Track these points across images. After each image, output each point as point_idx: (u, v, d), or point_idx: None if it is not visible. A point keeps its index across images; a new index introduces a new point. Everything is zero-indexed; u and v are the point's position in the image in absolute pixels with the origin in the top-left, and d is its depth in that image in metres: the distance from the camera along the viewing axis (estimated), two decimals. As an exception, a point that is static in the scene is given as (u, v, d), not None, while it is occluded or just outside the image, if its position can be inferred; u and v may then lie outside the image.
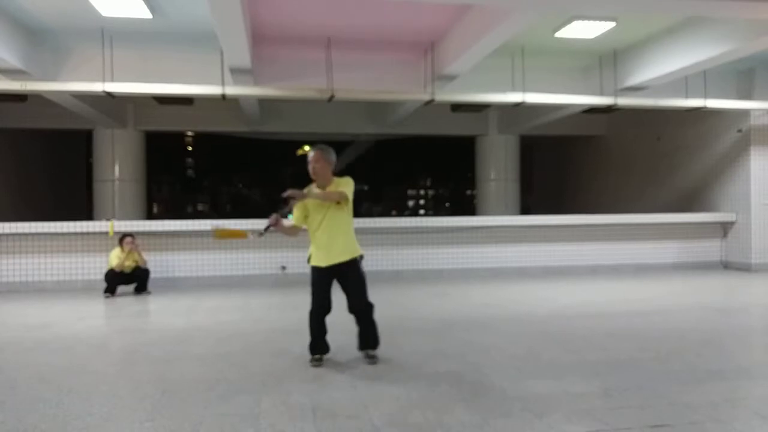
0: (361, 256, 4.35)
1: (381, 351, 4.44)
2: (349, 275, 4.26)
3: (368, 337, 4.36)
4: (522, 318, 6.21)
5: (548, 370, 4.16)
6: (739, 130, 10.65)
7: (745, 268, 10.40)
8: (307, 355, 4.36)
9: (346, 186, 4.25)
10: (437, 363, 4.36)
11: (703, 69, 8.65)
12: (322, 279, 4.27)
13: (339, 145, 25.18)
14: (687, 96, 9.68)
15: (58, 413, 3.32)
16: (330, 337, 4.40)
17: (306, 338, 4.38)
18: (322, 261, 4.24)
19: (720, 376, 3.97)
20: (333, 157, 4.31)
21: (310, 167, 4.24)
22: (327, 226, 4.22)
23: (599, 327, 5.65)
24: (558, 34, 8.21)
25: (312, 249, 4.34)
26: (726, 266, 10.77)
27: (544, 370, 4.14)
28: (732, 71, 10.07)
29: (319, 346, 4.35)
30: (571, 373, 4.03)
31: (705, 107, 9.77)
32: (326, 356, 4.39)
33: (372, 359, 4.33)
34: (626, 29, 8.17)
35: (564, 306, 6.95)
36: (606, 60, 9.34)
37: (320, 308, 4.28)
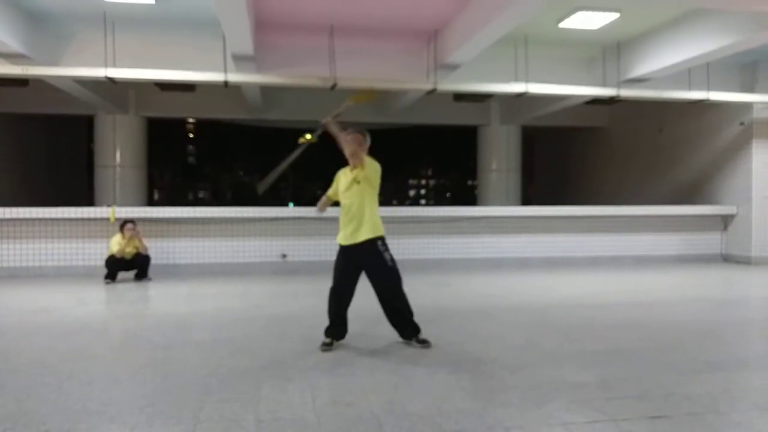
0: (382, 239, 4.35)
1: (383, 339, 4.47)
2: (371, 261, 4.31)
3: (406, 327, 4.44)
4: (522, 308, 6.23)
5: (548, 359, 4.17)
6: (742, 123, 10.60)
7: (745, 261, 10.41)
8: (308, 342, 4.40)
9: (370, 168, 4.32)
10: (437, 352, 4.38)
11: (707, 61, 8.62)
12: (342, 259, 4.39)
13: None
14: (690, 88, 9.64)
15: (59, 398, 3.33)
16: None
17: (307, 325, 4.40)
18: (342, 240, 4.38)
19: (719, 368, 3.98)
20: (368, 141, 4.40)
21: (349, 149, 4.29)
22: (349, 206, 4.32)
23: (599, 318, 5.66)
24: (562, 25, 8.15)
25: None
26: (726, 259, 10.78)
27: (543, 360, 4.15)
28: (735, 64, 10.02)
29: (333, 330, 4.42)
30: (570, 363, 4.05)
31: (708, 99, 9.73)
32: (337, 342, 4.43)
33: (423, 344, 4.41)
34: (630, 20, 8.11)
35: (564, 296, 6.96)
36: (609, 51, 9.28)
37: (336, 287, 4.39)
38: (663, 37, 8.32)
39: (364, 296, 6.71)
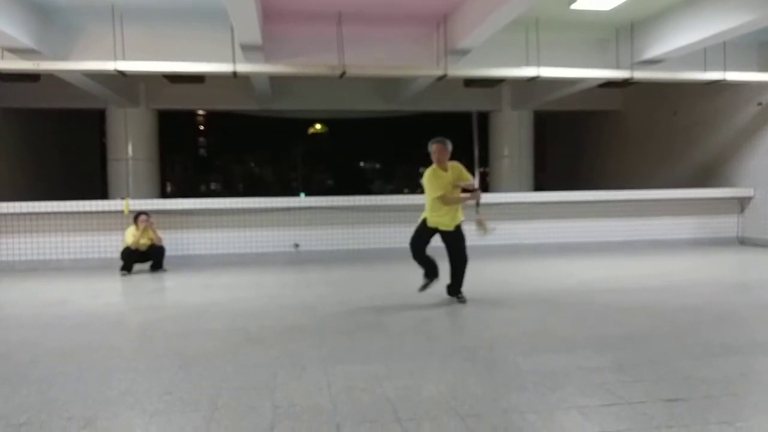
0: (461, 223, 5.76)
1: (396, 327, 4.48)
2: (450, 240, 5.69)
3: (453, 285, 5.71)
4: (535, 293, 6.21)
5: (562, 344, 4.16)
6: (760, 104, 10.41)
7: (762, 244, 10.26)
8: (322, 330, 4.51)
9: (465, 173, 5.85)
10: (451, 338, 4.39)
11: (723, 40, 8.43)
12: (424, 229, 5.76)
13: (351, 122, 25.04)
14: (705, 69, 9.47)
15: (79, 387, 3.39)
16: (343, 314, 4.43)
17: (320, 314, 4.43)
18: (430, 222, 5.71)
19: (736, 351, 3.94)
20: (450, 146, 5.73)
21: (435, 157, 5.73)
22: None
23: (613, 302, 5.63)
24: (574, 6, 8.03)
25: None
26: (743, 242, 10.64)
27: (557, 345, 4.14)
28: (753, 42, 9.81)
29: (427, 272, 5.68)
30: (584, 348, 4.03)
31: (724, 80, 9.55)
32: (432, 283, 5.67)
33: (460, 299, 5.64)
34: (643, 0, 7.96)
35: (578, 282, 6.93)
36: (622, 32, 9.14)
37: (414, 242, 5.76)
38: (677, 17, 8.16)
39: (377, 285, 6.73)
